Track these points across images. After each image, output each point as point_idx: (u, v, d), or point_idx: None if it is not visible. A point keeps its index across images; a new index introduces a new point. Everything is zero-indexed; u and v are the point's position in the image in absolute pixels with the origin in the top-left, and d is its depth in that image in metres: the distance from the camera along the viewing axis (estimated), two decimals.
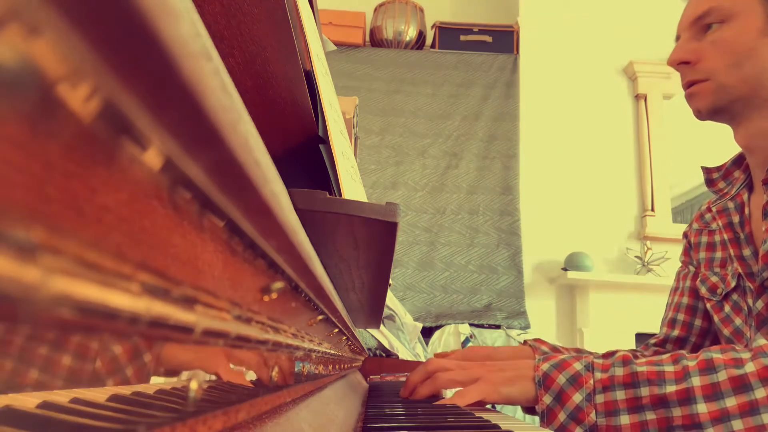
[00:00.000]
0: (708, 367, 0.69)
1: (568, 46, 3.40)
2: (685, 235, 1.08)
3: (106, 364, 0.13)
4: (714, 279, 0.97)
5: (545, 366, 0.77)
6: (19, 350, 0.10)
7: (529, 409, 0.91)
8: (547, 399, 0.75)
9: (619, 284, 3.04)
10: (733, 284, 0.93)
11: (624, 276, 3.08)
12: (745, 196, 0.93)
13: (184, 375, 0.17)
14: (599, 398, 0.72)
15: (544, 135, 3.34)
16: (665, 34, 3.56)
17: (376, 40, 3.50)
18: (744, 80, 0.84)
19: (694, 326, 1.02)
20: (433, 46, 3.52)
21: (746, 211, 0.92)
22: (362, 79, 3.35)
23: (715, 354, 0.71)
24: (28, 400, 0.11)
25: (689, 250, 1.06)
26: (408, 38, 3.47)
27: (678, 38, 0.94)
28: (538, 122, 3.35)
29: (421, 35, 3.49)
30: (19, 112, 0.07)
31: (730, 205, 0.95)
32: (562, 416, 0.74)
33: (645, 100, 3.35)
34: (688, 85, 0.89)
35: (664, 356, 0.74)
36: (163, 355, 0.16)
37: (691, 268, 1.05)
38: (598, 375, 0.74)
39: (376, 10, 3.50)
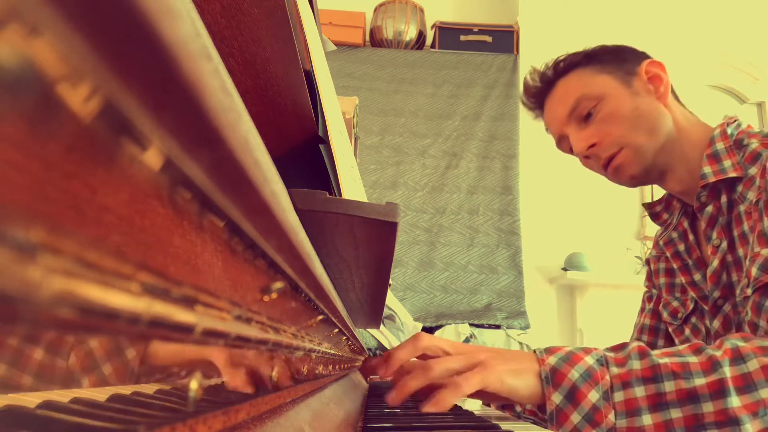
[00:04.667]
0: (735, 357, 0.63)
1: (568, 46, 3.39)
2: (647, 261, 1.10)
3: (106, 364, 0.13)
4: (675, 304, 0.99)
5: (552, 359, 0.67)
6: (19, 350, 0.10)
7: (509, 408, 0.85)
8: (556, 398, 0.65)
9: (618, 284, 3.04)
10: (691, 307, 0.94)
11: (624, 276, 3.08)
12: (686, 224, 0.96)
13: (184, 375, 0.17)
14: (618, 396, 0.64)
15: (544, 135, 3.32)
16: (664, 33, 3.56)
17: (376, 40, 3.49)
18: (649, 133, 0.89)
19: (656, 346, 1.03)
20: (433, 46, 3.52)
21: (690, 237, 0.95)
22: (362, 79, 3.35)
23: (739, 342, 0.64)
24: (28, 400, 0.11)
25: (651, 276, 1.08)
26: (408, 38, 3.47)
27: (560, 141, 0.99)
28: (538, 122, 3.35)
29: (421, 35, 3.49)
30: (19, 112, 0.07)
31: (674, 234, 0.98)
32: (575, 418, 0.64)
33: None
34: (606, 162, 0.91)
35: (681, 347, 0.67)
36: (162, 355, 0.16)
37: (654, 291, 1.07)
38: (615, 370, 0.65)
39: (376, 10, 3.50)
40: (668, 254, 0.99)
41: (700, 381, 0.62)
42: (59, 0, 0.07)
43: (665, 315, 1.00)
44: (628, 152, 0.90)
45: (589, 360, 0.67)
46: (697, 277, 0.93)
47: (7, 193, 0.07)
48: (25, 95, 0.07)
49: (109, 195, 0.10)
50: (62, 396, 0.12)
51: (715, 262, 0.86)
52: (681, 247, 0.97)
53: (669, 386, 0.63)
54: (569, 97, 0.94)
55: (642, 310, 1.10)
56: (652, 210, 1.03)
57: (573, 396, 0.64)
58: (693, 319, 0.95)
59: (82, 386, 0.13)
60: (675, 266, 0.97)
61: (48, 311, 0.08)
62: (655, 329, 1.05)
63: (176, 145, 0.11)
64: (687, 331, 0.96)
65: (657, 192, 3.25)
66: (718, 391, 0.61)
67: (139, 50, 0.08)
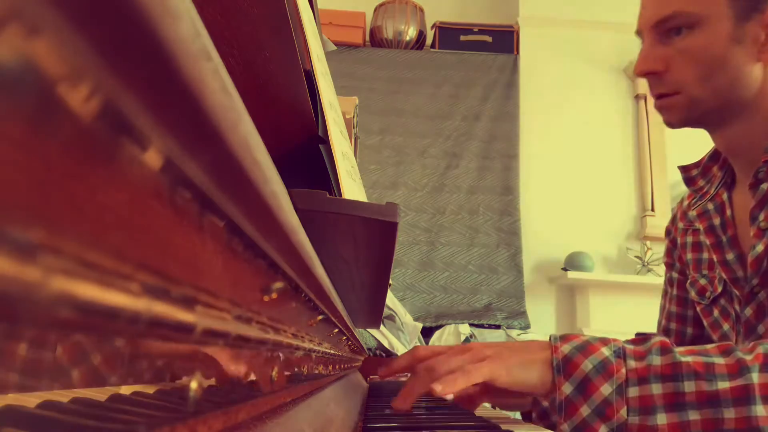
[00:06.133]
0: (766, 362, 0.58)
1: (568, 46, 3.40)
2: (668, 232, 1.02)
3: (106, 364, 0.13)
4: (702, 282, 0.92)
5: (566, 348, 0.64)
6: (18, 350, 0.10)
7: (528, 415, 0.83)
8: (567, 388, 0.62)
9: (619, 284, 3.04)
10: (720, 289, 0.88)
11: (624, 276, 3.07)
12: (725, 196, 0.88)
13: (185, 375, 0.17)
14: (632, 391, 0.60)
15: (544, 135, 3.34)
16: None
17: (376, 40, 3.49)
18: (715, 92, 0.80)
19: (686, 335, 0.99)
20: (433, 46, 3.52)
21: (727, 212, 0.87)
22: (362, 79, 3.35)
23: None
24: (28, 400, 0.11)
25: (673, 250, 1.01)
26: (408, 38, 3.47)
27: (639, 33, 0.88)
28: (538, 122, 3.35)
29: (421, 35, 3.49)
30: (19, 112, 0.07)
31: (710, 206, 0.90)
32: (585, 410, 0.61)
33: (645, 100, 3.35)
34: (657, 97, 0.84)
35: (709, 346, 0.63)
36: (163, 355, 0.16)
37: (674, 274, 1.01)
38: (632, 363, 0.61)
39: (376, 10, 3.50)
40: (701, 227, 0.90)
41: (723, 384, 0.58)
42: (59, 0, 0.07)
43: (693, 293, 0.94)
44: (682, 100, 0.81)
45: (606, 351, 0.63)
46: (730, 256, 0.85)
47: (7, 193, 0.07)
48: (25, 95, 0.07)
49: (109, 195, 0.10)
50: (62, 396, 0.12)
51: (760, 247, 0.79)
52: (716, 221, 0.88)
53: (689, 386, 0.59)
54: (668, 6, 0.82)
55: (665, 293, 1.03)
56: (688, 174, 0.94)
57: (584, 388, 0.61)
58: (722, 301, 0.88)
59: (81, 386, 0.13)
60: (707, 242, 0.89)
61: (48, 311, 0.08)
62: (682, 316, 0.99)
63: (176, 145, 0.11)
64: (716, 313, 0.89)
65: (656, 198, 3.25)
66: (743, 397, 0.57)
67: (139, 50, 0.08)
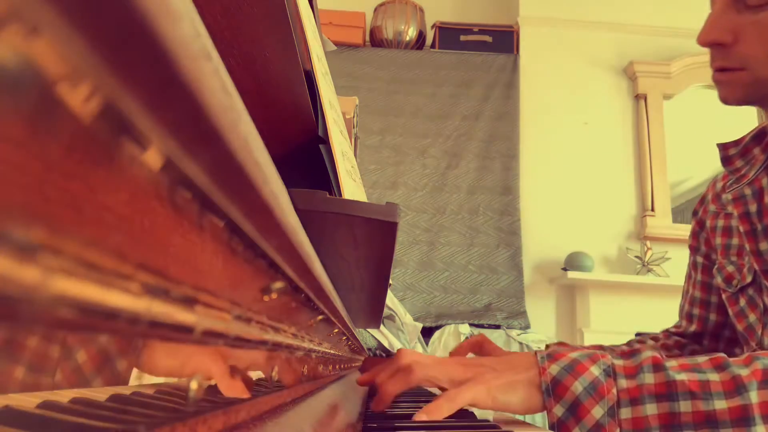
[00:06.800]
0: (765, 379, 0.56)
1: (568, 46, 3.40)
2: (695, 213, 0.98)
3: (106, 364, 0.13)
4: (730, 269, 0.88)
5: (554, 369, 0.62)
6: (18, 350, 0.10)
7: None
8: (558, 411, 0.61)
9: (619, 284, 3.04)
10: (749, 279, 0.84)
11: (624, 276, 3.07)
12: (764, 181, 0.82)
13: (185, 375, 0.17)
14: (625, 413, 0.59)
15: (544, 135, 3.34)
16: (665, 34, 3.56)
17: (376, 40, 3.49)
18: None
19: (709, 321, 0.97)
20: (433, 46, 3.52)
21: (765, 198, 0.81)
22: (362, 79, 3.35)
23: None
24: (28, 400, 0.11)
25: (699, 233, 0.96)
26: (408, 38, 3.47)
27: None
28: (538, 122, 3.35)
29: (421, 35, 3.49)
30: (19, 112, 0.07)
31: (747, 191, 0.83)
32: None
33: (645, 100, 3.35)
34: (717, 69, 0.77)
35: (701, 358, 0.61)
36: (163, 355, 0.16)
37: (699, 258, 0.97)
38: (623, 383, 0.60)
39: (376, 10, 3.50)
40: (735, 212, 0.85)
41: (720, 404, 0.56)
42: (59, 0, 0.07)
43: (719, 279, 0.90)
44: (745, 77, 0.74)
45: (595, 370, 0.61)
46: (764, 246, 0.81)
47: (7, 193, 0.07)
48: (25, 95, 0.07)
49: (109, 195, 0.10)
50: (62, 396, 0.12)
51: None
52: (753, 208, 0.82)
53: (685, 406, 0.57)
54: None
55: (689, 277, 1.00)
56: (725, 152, 0.87)
57: (575, 410, 0.60)
58: (750, 291, 0.84)
59: (80, 386, 0.13)
60: (741, 229, 0.84)
61: (48, 311, 0.08)
62: (706, 303, 0.96)
63: (176, 145, 0.11)
64: (742, 302, 0.86)
65: (656, 198, 3.25)
66: (741, 418, 0.55)
67: (140, 50, 0.08)
